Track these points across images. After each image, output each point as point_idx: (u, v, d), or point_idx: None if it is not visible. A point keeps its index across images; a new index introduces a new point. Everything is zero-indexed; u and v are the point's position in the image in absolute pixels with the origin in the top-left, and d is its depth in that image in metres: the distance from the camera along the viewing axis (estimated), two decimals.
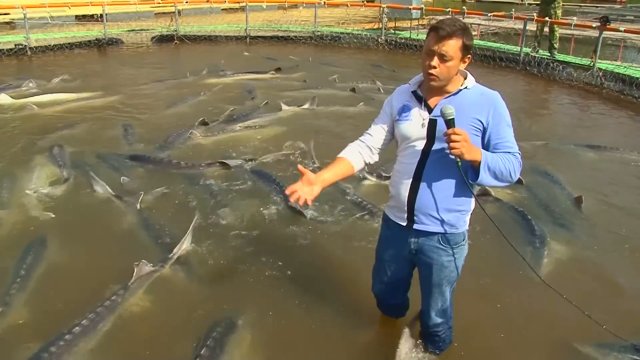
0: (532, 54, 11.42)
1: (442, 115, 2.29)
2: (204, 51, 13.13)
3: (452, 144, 2.24)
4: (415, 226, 2.55)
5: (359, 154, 2.64)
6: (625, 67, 10.46)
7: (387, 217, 2.72)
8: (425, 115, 2.44)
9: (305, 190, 2.43)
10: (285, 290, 3.58)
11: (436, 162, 2.43)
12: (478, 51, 12.29)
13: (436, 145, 2.42)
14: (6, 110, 7.42)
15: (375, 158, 2.69)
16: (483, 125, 2.39)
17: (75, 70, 10.17)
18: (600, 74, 9.99)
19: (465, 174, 2.35)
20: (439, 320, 2.81)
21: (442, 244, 2.55)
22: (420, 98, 2.48)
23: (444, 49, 2.28)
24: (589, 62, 10.50)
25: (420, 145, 2.46)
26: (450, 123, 2.27)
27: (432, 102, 2.45)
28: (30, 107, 7.52)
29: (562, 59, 11.15)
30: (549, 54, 11.40)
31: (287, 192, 2.44)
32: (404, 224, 2.59)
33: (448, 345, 2.94)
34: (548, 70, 10.85)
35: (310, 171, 2.49)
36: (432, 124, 2.41)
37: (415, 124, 2.46)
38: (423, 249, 2.59)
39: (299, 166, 2.52)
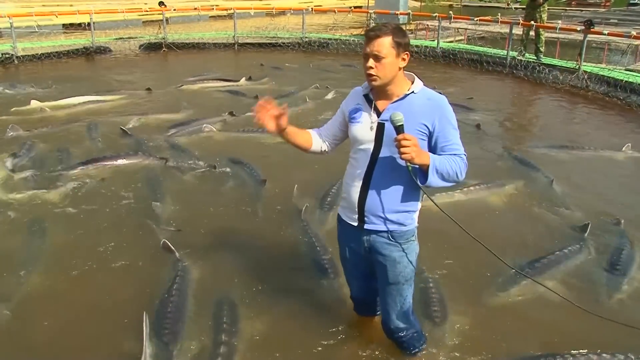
0: (519, 58, 11.54)
1: (392, 122, 2.35)
2: (192, 58, 13.13)
3: (402, 149, 2.31)
4: (365, 226, 2.64)
5: (319, 139, 2.80)
6: (609, 69, 10.62)
7: (340, 217, 2.80)
8: (374, 118, 2.53)
9: (271, 123, 2.54)
10: (263, 287, 3.59)
11: (384, 165, 2.52)
12: (465, 55, 12.43)
13: (384, 149, 2.51)
14: (32, 112, 7.85)
15: (329, 150, 2.83)
16: (429, 129, 2.48)
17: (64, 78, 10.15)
18: (586, 76, 10.11)
19: (415, 177, 2.43)
20: (401, 324, 2.83)
21: (391, 240, 2.63)
22: (371, 101, 2.57)
23: (376, 48, 2.41)
24: (574, 65, 10.63)
25: (370, 148, 2.55)
26: (399, 129, 2.34)
27: (380, 105, 2.54)
28: (44, 109, 7.96)
29: (548, 62, 11.29)
30: (535, 57, 11.54)
31: (258, 106, 2.51)
32: (356, 224, 2.67)
33: (421, 346, 2.98)
34: (535, 73, 10.96)
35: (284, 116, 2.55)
36: (380, 127, 2.50)
37: (364, 127, 2.56)
38: (375, 246, 2.67)
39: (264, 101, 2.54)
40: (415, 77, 2.56)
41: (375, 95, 2.57)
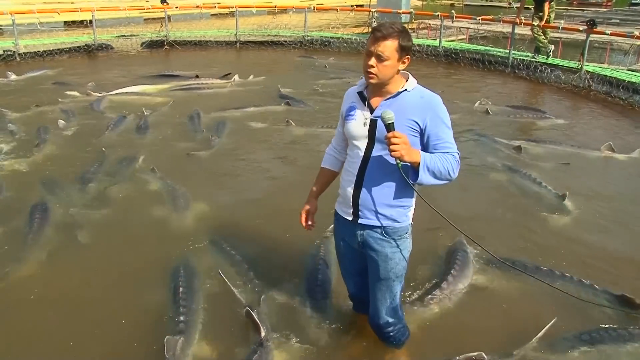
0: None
1: (382, 119, 2.40)
2: (194, 56, 13.14)
3: (392, 147, 2.36)
4: (360, 220, 2.68)
5: (335, 159, 2.90)
6: (611, 69, 10.58)
7: (337, 212, 2.85)
8: (367, 114, 2.58)
9: (310, 220, 2.92)
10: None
11: (377, 161, 2.57)
12: (468, 54, 12.41)
13: (376, 145, 2.56)
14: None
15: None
16: (420, 126, 2.51)
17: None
18: (588, 76, 10.10)
19: (406, 175, 2.46)
20: (390, 319, 2.87)
21: (384, 236, 2.67)
22: (365, 98, 2.61)
23: (380, 49, 2.43)
24: (576, 65, 10.62)
25: (363, 144, 2.60)
26: (389, 127, 2.38)
27: (374, 102, 2.59)
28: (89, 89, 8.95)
29: (550, 62, 11.26)
30: (533, 54, 11.51)
31: (303, 221, 2.91)
32: (350, 218, 2.72)
33: (405, 340, 3.01)
34: (537, 73, 10.95)
35: (307, 207, 2.92)
36: (373, 124, 2.55)
37: (358, 123, 2.60)
38: (368, 241, 2.71)
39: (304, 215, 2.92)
40: (410, 75, 2.60)
41: (369, 92, 2.62)
